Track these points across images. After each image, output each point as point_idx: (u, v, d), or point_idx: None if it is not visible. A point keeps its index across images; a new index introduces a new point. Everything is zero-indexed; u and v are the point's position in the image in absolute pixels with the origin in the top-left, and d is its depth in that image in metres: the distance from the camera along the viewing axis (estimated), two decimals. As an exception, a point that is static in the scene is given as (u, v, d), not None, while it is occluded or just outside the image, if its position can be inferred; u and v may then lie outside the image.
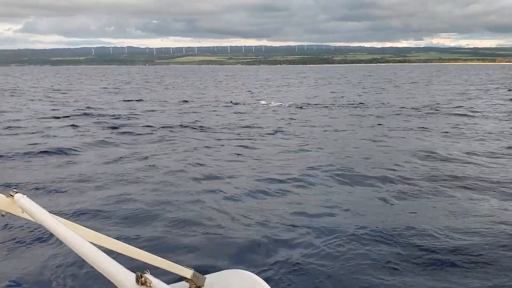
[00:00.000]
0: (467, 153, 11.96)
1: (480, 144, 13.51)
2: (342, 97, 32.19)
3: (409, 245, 5.94)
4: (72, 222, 1.77)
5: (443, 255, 5.66)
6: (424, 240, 6.07)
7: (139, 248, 1.78)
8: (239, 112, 22.71)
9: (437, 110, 23.05)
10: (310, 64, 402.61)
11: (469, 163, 10.82)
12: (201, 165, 10.72)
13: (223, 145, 13.61)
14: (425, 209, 7.47)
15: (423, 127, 16.85)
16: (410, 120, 19.30)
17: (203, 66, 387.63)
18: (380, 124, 17.98)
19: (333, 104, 26.67)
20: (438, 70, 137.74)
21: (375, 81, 62.33)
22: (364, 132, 16.18)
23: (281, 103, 27.39)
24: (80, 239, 1.45)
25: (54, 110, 23.94)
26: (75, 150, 12.40)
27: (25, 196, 1.82)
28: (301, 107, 25.16)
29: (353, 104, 26.90)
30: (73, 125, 17.54)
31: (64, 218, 1.73)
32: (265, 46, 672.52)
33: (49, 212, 1.69)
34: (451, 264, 5.45)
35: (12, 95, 36.44)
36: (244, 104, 27.41)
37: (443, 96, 32.46)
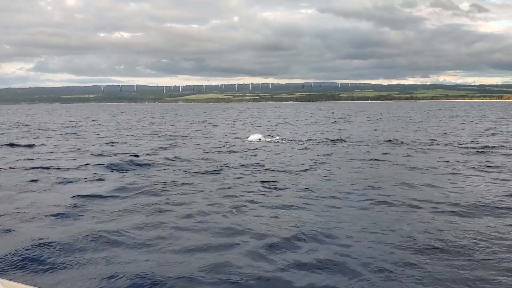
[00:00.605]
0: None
1: None
2: (350, 135, 31.76)
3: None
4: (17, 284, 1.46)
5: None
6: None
7: None
8: (254, 149, 22.36)
9: (462, 146, 22.58)
10: (317, 100, 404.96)
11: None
12: (221, 215, 10.28)
13: (241, 185, 13.18)
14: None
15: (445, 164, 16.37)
16: (429, 156, 18.83)
17: (211, 103, 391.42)
18: (408, 162, 17.50)
19: (346, 140, 26.29)
20: (448, 107, 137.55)
21: (390, 119, 62.13)
22: (387, 171, 15.72)
23: (293, 139, 27.14)
24: None
25: (65, 148, 23.76)
26: (97, 197, 11.78)
27: None
28: (319, 144, 24.81)
29: (368, 141, 26.50)
30: (87, 164, 17.23)
31: None
32: (272, 83, 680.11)
33: None
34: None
35: (26, 131, 36.68)
36: (257, 141, 27.08)
37: (467, 133, 32.09)
